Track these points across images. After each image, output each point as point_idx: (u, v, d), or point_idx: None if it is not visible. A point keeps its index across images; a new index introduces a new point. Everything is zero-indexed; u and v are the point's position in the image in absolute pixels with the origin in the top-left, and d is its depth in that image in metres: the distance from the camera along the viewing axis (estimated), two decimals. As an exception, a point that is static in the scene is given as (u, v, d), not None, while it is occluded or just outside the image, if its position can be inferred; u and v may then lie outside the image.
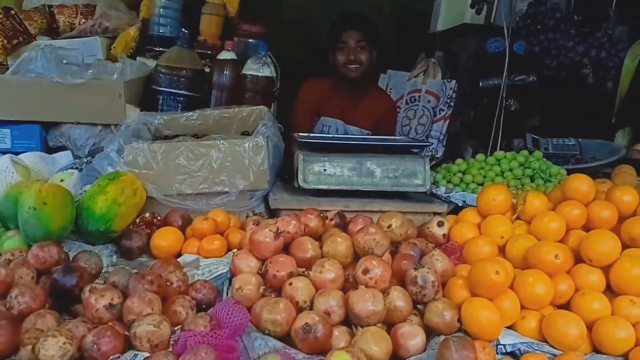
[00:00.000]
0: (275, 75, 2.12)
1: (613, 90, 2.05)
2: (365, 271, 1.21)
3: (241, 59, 2.32)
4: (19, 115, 1.91)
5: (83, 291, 1.17)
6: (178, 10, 2.46)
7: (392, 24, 3.69)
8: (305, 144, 1.65)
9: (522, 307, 1.25)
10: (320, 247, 1.34)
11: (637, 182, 1.83)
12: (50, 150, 1.98)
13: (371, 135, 2.62)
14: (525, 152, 1.89)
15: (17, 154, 1.92)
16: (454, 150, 3.21)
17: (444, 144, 3.09)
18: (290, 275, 1.25)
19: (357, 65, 2.52)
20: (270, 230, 1.30)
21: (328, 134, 2.59)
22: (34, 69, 1.86)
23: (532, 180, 1.77)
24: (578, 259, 1.36)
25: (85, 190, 1.62)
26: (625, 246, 1.40)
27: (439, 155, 3.10)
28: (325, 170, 1.61)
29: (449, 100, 3.03)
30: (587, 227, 1.48)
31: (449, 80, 3.06)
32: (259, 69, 2.05)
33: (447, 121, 3.05)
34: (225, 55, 2.08)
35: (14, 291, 1.11)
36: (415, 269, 1.24)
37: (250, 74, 2.06)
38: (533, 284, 1.25)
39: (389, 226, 1.43)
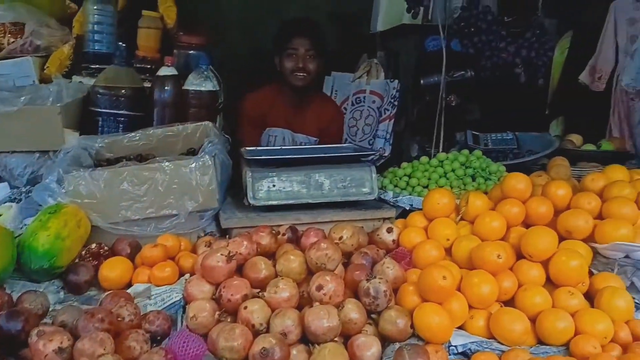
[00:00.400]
0: (218, 88, 2.10)
1: (544, 86, 2.16)
2: (319, 287, 1.23)
3: (183, 72, 2.28)
4: (-52, 148, 1.81)
5: (30, 335, 1.14)
6: (113, 25, 2.38)
7: (331, 24, 3.73)
8: (253, 160, 1.65)
9: (470, 307, 1.31)
10: (274, 266, 1.35)
11: (570, 172, 1.94)
12: (-16, 182, 1.89)
13: (318, 142, 2.65)
14: (465, 152, 1.96)
15: (-52, 188, 1.84)
16: (401, 148, 3.30)
17: (391, 142, 3.17)
18: (245, 297, 1.25)
19: (305, 74, 2.51)
20: (222, 255, 1.30)
21: (275, 144, 2.61)
22: (-39, 99, 1.77)
23: (474, 179, 1.84)
24: (520, 255, 1.43)
25: (25, 225, 1.56)
26: (562, 238, 1.50)
27: (386, 154, 3.18)
28: (274, 185, 1.62)
29: (392, 100, 3.11)
30: (526, 223, 1.56)
31: (392, 80, 3.14)
32: (201, 83, 2.02)
33: (392, 120, 3.13)
34: (165, 71, 2.04)
35: (-47, 344, 1.06)
36: (367, 279, 1.27)
37: (192, 89, 2.03)
38: (479, 284, 1.31)
39: (340, 238, 1.46)
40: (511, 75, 1.97)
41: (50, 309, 1.31)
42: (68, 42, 2.41)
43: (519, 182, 1.56)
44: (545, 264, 1.39)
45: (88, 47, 2.37)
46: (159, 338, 1.22)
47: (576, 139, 2.52)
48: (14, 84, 1.96)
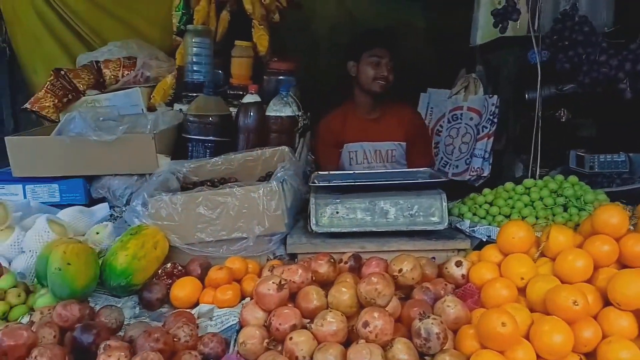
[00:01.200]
0: (298, 113, 2.15)
1: None
2: (365, 324, 1.18)
3: (273, 95, 2.37)
4: (64, 171, 2.08)
5: (99, 348, 1.24)
6: (209, 56, 2.56)
7: (427, 40, 3.61)
8: (318, 187, 1.65)
9: (540, 358, 1.17)
10: (327, 296, 1.33)
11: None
12: (93, 201, 2.12)
13: (407, 147, 2.61)
14: (559, 178, 1.76)
15: (65, 206, 2.10)
16: (502, 168, 3.07)
17: (490, 161, 2.97)
18: (294, 327, 1.25)
19: (385, 83, 2.49)
20: (273, 283, 1.31)
21: (357, 160, 2.57)
22: (74, 129, 2.02)
23: (566, 210, 1.64)
24: (609, 301, 1.24)
25: (117, 242, 1.72)
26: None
27: (485, 174, 2.98)
28: (337, 212, 1.60)
29: (491, 117, 2.91)
30: (621, 263, 1.36)
31: (491, 95, 2.94)
32: (280, 109, 2.08)
33: (492, 138, 2.92)
34: (248, 98, 2.14)
35: (34, 352, 1.19)
36: (420, 319, 1.19)
37: (273, 115, 2.10)
38: (549, 332, 1.16)
39: (400, 270, 1.39)
40: (615, 91, 1.73)
41: (125, 323, 1.43)
42: (171, 73, 2.64)
43: (612, 215, 1.36)
44: (638, 313, 1.19)
45: (188, 77, 2.58)
46: (212, 360, 1.27)
47: None
48: (118, 113, 2.17)
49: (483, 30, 3.07)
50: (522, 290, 1.36)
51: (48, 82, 2.51)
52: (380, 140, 2.61)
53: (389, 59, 2.47)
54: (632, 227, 1.57)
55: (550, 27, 1.99)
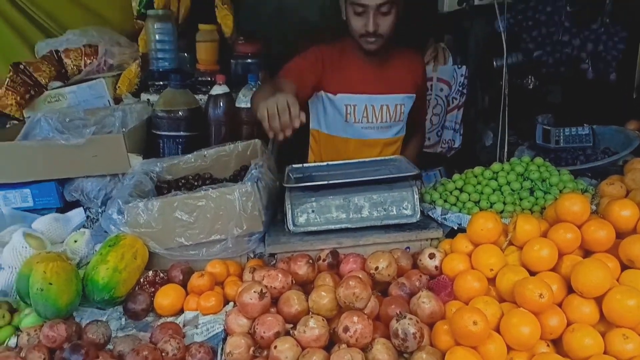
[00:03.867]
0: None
1: (617, 83, 1.90)
2: (346, 329, 1.24)
3: (242, 79, 2.34)
4: (35, 176, 2.03)
5: (89, 367, 1.28)
6: (173, 42, 2.50)
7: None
8: (292, 187, 1.67)
9: (511, 349, 1.25)
10: (307, 300, 1.38)
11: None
12: (68, 204, 2.10)
13: (415, 100, 2.24)
14: (526, 159, 1.81)
15: (39, 210, 2.08)
16: (473, 138, 3.13)
17: (461, 132, 3.02)
18: (277, 334, 1.30)
19: (376, 38, 1.98)
20: (254, 292, 1.35)
21: (356, 115, 2.15)
22: (40, 133, 1.97)
23: (532, 193, 1.70)
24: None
25: (95, 250, 1.73)
26: (623, 267, 1.36)
27: (456, 146, 3.04)
28: (313, 211, 1.63)
29: (460, 88, 2.94)
30: (584, 249, 1.44)
31: (460, 66, 2.96)
32: (250, 100, 2.05)
33: (462, 110, 2.96)
34: (217, 90, 2.11)
35: (25, 378, 1.23)
36: (398, 319, 1.25)
37: (243, 107, 2.08)
38: (517, 325, 1.23)
39: (376, 268, 1.45)
40: (577, 71, 1.76)
41: (112, 336, 1.46)
42: (136, 61, 2.57)
43: (573, 204, 1.42)
44: (600, 300, 1.27)
45: (153, 65, 2.51)
46: (200, 370, 1.32)
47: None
48: (82, 111, 2.12)
49: (450, -2, 3.04)
50: (492, 280, 1.43)
51: (8, 79, 2.41)
52: (389, 93, 2.16)
53: (379, 3, 1.88)
54: (594, 207, 1.66)
55: (514, 7, 1.98)
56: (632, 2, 1.82)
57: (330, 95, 2.13)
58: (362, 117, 2.15)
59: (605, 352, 1.20)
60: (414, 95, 2.25)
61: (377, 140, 2.26)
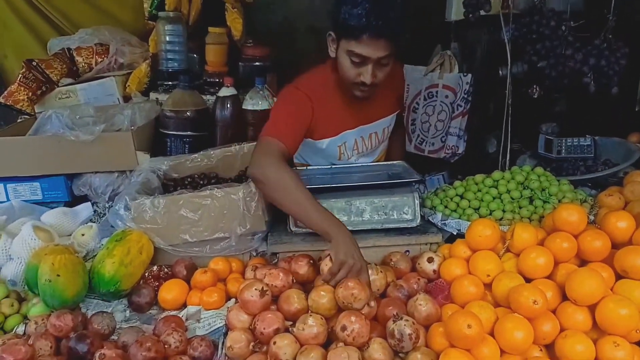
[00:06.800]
0: (274, 106, 2.16)
1: (620, 96, 1.93)
2: (343, 328, 1.28)
3: (249, 82, 2.38)
4: (44, 170, 2.09)
5: (94, 357, 1.32)
6: (183, 43, 2.54)
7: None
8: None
9: (504, 353, 1.28)
10: (307, 298, 1.42)
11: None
12: (76, 198, 2.15)
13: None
14: (527, 168, 1.84)
15: (47, 203, 2.13)
16: (477, 145, 3.16)
17: (465, 139, 3.04)
18: (277, 331, 1.34)
19: (369, 88, 1.77)
20: (256, 289, 1.39)
21: (346, 154, 2.00)
22: (50, 129, 2.02)
23: (532, 202, 1.73)
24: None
25: (102, 244, 1.77)
26: (618, 277, 1.39)
27: (460, 152, 3.06)
28: (315, 213, 1.66)
29: (465, 95, 2.96)
30: (580, 258, 1.46)
31: (465, 74, 2.98)
32: (257, 102, 2.10)
33: (466, 117, 2.99)
34: (224, 92, 2.15)
35: (33, 365, 1.27)
36: (394, 320, 1.29)
37: (250, 109, 2.12)
38: (512, 330, 1.26)
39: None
40: (580, 85, 1.79)
41: (117, 327, 1.50)
42: (146, 61, 2.62)
43: (570, 214, 1.45)
44: (593, 307, 1.30)
45: (162, 65, 2.56)
46: (201, 364, 1.36)
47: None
48: (93, 109, 2.16)
49: (458, 6, 3.07)
50: (488, 285, 1.46)
51: (20, 75, 2.47)
52: (377, 119, 2.02)
53: (382, 54, 1.67)
54: (592, 217, 1.69)
55: (518, 20, 2.02)
56: (635, 17, 1.85)
57: (320, 142, 1.93)
58: (353, 150, 2.00)
59: (596, 359, 1.23)
60: (399, 109, 2.16)
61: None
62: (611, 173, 1.91)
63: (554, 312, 1.34)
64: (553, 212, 1.52)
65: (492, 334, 1.30)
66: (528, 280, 1.41)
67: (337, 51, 1.78)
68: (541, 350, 1.30)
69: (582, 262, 1.46)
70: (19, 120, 2.48)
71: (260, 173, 1.61)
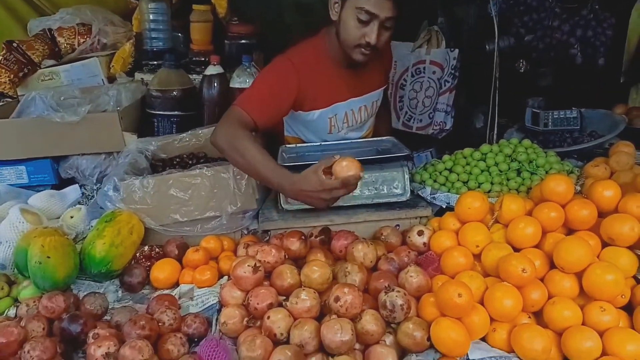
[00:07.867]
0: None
1: (605, 68, 1.94)
2: (337, 299, 1.29)
3: (236, 60, 2.35)
4: (29, 153, 2.06)
5: (87, 336, 1.32)
6: (167, 22, 2.49)
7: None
8: (286, 167, 1.70)
9: (494, 320, 1.31)
10: (299, 274, 1.43)
11: (634, 161, 1.78)
12: (63, 181, 2.13)
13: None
14: (515, 141, 1.86)
15: (34, 187, 2.11)
16: (465, 121, 3.17)
17: (452, 115, 3.05)
18: (270, 306, 1.35)
19: (370, 51, 1.76)
20: (248, 265, 1.39)
21: (336, 127, 1.99)
22: (34, 111, 1.99)
23: (519, 174, 1.75)
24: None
25: (91, 225, 1.76)
26: (604, 244, 1.42)
27: (447, 128, 3.07)
28: (305, 189, 1.66)
29: (453, 71, 2.96)
30: (567, 227, 1.49)
31: (452, 49, 2.97)
32: (244, 80, 2.08)
33: (454, 92, 2.99)
34: (211, 70, 2.12)
35: (26, 346, 1.26)
36: (386, 292, 1.31)
37: (237, 87, 2.10)
38: (501, 298, 1.29)
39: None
40: (567, 56, 1.79)
41: (110, 308, 1.50)
42: (130, 40, 2.57)
43: (558, 184, 1.47)
44: (580, 275, 1.33)
45: (147, 45, 2.51)
46: (196, 339, 1.36)
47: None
48: (77, 90, 2.13)
49: (445, -19, 3.06)
50: (477, 256, 1.48)
51: (1, 57, 2.41)
52: (366, 93, 2.03)
53: (388, 14, 1.68)
54: (579, 187, 1.71)
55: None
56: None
57: (310, 113, 1.93)
58: (343, 123, 2.01)
59: (583, 324, 1.26)
60: (386, 84, 2.17)
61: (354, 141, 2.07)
62: (597, 144, 1.94)
63: (542, 280, 1.37)
64: (541, 183, 1.54)
65: (482, 302, 1.33)
66: (517, 250, 1.43)
67: (342, 11, 1.76)
68: (530, 317, 1.33)
69: (570, 231, 1.48)
70: (0, 104, 2.43)
71: (218, 139, 1.66)
